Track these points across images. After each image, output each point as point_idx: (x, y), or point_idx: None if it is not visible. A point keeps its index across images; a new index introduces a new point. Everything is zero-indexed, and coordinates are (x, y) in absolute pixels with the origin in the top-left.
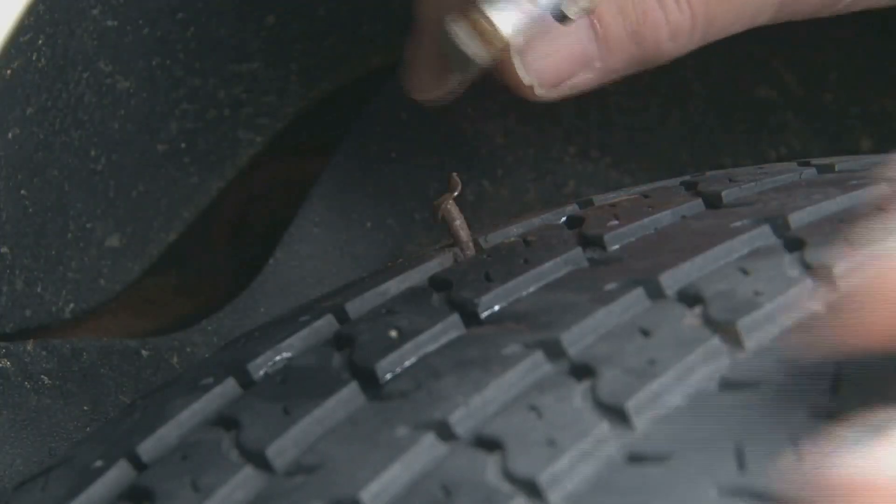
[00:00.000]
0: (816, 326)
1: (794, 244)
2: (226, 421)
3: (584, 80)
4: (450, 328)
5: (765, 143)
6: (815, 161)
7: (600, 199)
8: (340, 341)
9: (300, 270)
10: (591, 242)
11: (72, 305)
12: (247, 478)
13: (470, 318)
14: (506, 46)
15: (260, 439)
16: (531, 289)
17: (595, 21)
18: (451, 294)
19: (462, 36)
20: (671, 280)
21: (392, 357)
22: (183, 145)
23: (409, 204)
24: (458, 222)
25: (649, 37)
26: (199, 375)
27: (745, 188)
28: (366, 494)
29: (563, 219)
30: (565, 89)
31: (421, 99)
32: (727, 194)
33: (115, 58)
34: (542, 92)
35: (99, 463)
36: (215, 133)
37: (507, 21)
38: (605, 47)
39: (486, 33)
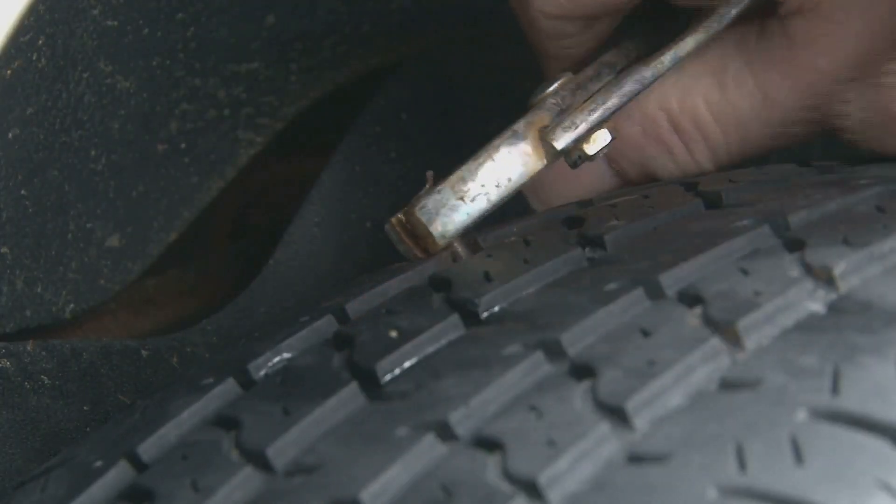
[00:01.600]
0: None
1: (795, 244)
2: (226, 421)
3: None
4: (450, 328)
5: None
6: (815, 162)
7: (600, 200)
8: (340, 341)
9: (300, 270)
10: (592, 242)
11: (72, 305)
12: (247, 478)
13: (470, 318)
14: (442, 247)
15: (260, 439)
16: (531, 289)
17: (611, 164)
18: (450, 294)
19: (394, 238)
20: (671, 280)
21: (392, 357)
22: (183, 145)
23: None
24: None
25: (662, 171)
26: (199, 376)
27: (745, 188)
28: (366, 495)
29: (564, 218)
30: None
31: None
32: (727, 194)
33: (115, 58)
34: None
35: (99, 463)
36: (215, 133)
37: (438, 225)
38: (623, 180)
39: (421, 237)
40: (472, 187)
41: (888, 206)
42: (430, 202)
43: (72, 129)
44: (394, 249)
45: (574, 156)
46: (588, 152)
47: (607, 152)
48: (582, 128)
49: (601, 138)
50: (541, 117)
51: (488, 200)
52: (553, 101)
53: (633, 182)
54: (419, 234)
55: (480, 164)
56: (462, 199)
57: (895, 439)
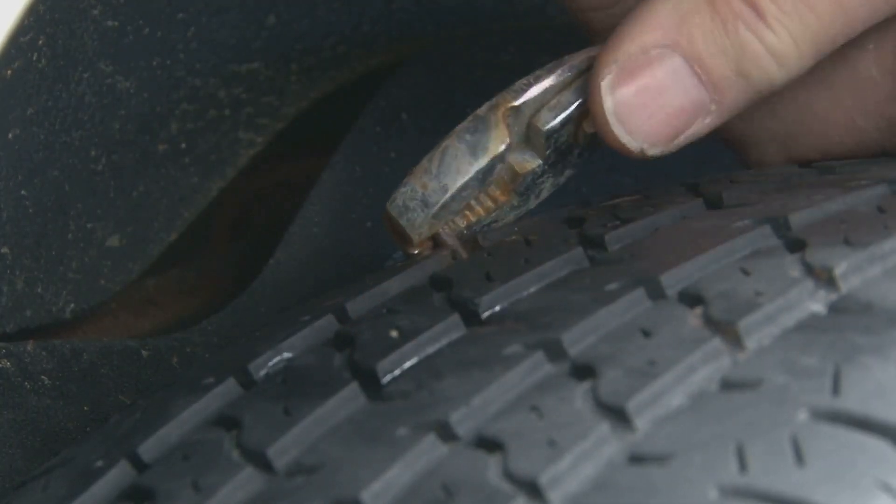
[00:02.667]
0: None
1: (796, 245)
2: (227, 421)
3: (703, 126)
4: (451, 328)
5: None
6: (815, 162)
7: (601, 200)
8: (341, 341)
9: (300, 270)
10: (593, 242)
11: (72, 306)
12: (248, 478)
13: (471, 317)
14: (420, 240)
15: (261, 439)
16: (532, 289)
17: (695, 66)
18: (451, 294)
19: (389, 236)
20: (672, 280)
21: (393, 357)
22: (183, 145)
23: None
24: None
25: (755, 69)
26: (199, 375)
27: (746, 188)
28: (366, 495)
29: (565, 218)
30: (683, 141)
31: None
32: (728, 195)
33: (115, 58)
34: (655, 151)
35: (100, 463)
36: (215, 133)
37: (408, 219)
38: (714, 89)
39: (400, 233)
40: (435, 177)
41: (889, 206)
42: (399, 197)
43: (72, 129)
44: (394, 248)
45: (579, 136)
46: (588, 131)
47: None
48: (572, 107)
49: None
50: (505, 99)
51: (452, 188)
52: (524, 81)
53: (725, 93)
54: (398, 230)
55: (442, 152)
56: (426, 189)
57: None
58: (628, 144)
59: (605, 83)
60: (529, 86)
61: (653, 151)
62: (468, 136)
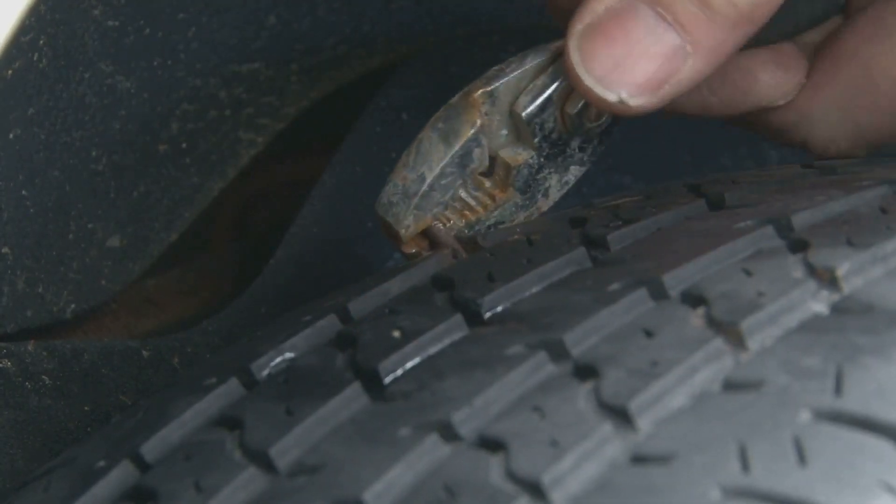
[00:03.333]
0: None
1: (798, 245)
2: (229, 421)
3: (688, 71)
4: (453, 328)
5: (766, 144)
6: (817, 163)
7: (603, 200)
8: (343, 341)
9: (300, 270)
10: (595, 242)
11: (73, 306)
12: (250, 478)
13: (473, 318)
14: (409, 240)
15: (263, 440)
16: (534, 289)
17: (659, 9)
18: (453, 294)
19: (383, 235)
20: (675, 281)
21: (395, 357)
22: (184, 145)
23: None
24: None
25: (716, 0)
26: (202, 375)
27: (748, 189)
28: (368, 495)
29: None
30: (670, 90)
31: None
32: (730, 195)
33: (116, 58)
34: (639, 102)
35: (102, 463)
36: (216, 133)
37: (394, 216)
38: (683, 29)
39: (390, 232)
40: (412, 168)
41: (891, 207)
42: (384, 195)
43: (73, 129)
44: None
45: (566, 121)
46: (570, 112)
47: None
48: (550, 90)
49: (580, 97)
50: (477, 86)
51: (430, 176)
52: (497, 68)
53: (696, 32)
54: (389, 230)
55: (417, 144)
56: (405, 182)
57: None
58: (605, 96)
59: (573, 42)
60: (502, 72)
61: (636, 102)
62: (440, 125)
